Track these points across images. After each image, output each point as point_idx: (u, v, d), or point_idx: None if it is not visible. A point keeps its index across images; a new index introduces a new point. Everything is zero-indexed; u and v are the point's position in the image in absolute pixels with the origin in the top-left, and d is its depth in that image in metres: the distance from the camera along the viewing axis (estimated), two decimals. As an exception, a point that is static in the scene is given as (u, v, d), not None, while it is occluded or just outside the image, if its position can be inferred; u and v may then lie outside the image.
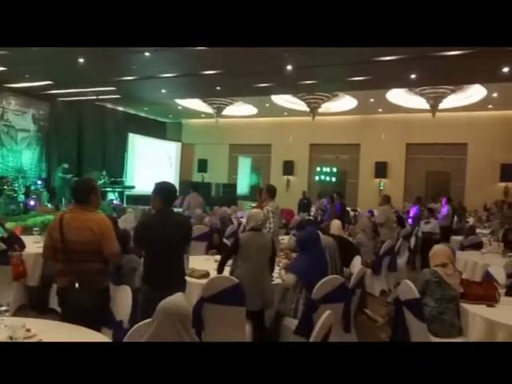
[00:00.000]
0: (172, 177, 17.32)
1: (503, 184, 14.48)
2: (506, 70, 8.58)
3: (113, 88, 12.29)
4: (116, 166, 16.25)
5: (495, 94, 12.39)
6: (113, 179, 14.64)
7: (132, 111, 17.76)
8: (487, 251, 6.20)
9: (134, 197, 15.07)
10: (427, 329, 3.38)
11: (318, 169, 16.58)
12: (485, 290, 3.54)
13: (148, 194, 3.84)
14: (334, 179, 16.21)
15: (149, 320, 2.00)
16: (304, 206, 12.79)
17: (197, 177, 18.95)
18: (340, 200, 9.55)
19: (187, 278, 3.74)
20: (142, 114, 18.37)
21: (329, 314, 2.58)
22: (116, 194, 14.53)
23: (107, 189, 13.81)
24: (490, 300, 3.43)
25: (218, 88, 11.94)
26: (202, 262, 4.51)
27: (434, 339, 3.36)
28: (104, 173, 13.99)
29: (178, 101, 15.55)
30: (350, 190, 16.38)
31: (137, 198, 14.74)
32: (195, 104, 16.04)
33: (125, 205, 13.79)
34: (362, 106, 14.66)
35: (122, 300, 3.03)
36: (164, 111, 17.79)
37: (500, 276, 4.34)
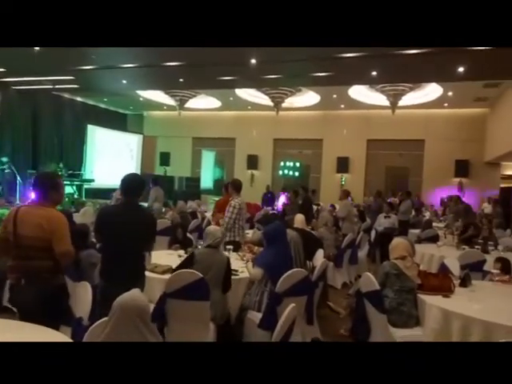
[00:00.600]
0: (133, 170, 16.84)
1: (457, 179, 15.13)
2: (460, 69, 8.92)
3: (70, 77, 11.83)
4: (74, 158, 15.70)
5: (450, 93, 12.88)
6: (71, 172, 14.14)
7: (91, 102, 17.18)
8: (443, 244, 6.45)
9: (93, 190, 14.64)
10: (387, 319, 3.48)
11: (282, 163, 16.69)
12: (441, 282, 3.67)
13: (108, 187, 3.72)
14: (297, 174, 16.38)
15: (106, 318, 1.93)
16: (268, 200, 12.85)
17: (159, 170, 18.63)
18: (305, 194, 9.64)
19: (149, 274, 3.68)
20: (102, 106, 17.82)
21: (293, 307, 2.60)
22: (74, 187, 14.05)
23: (65, 182, 13.32)
24: (446, 291, 3.56)
25: (181, 80, 11.74)
26: (164, 257, 4.44)
27: (392, 330, 3.46)
28: (61, 165, 13.49)
29: (140, 92, 15.17)
30: (313, 185, 16.58)
31: (96, 191, 14.33)
32: (157, 96, 15.71)
33: (84, 198, 13.39)
34: (325, 101, 14.86)
35: (82, 297, 2.95)
36: (125, 103, 17.30)
37: (455, 267, 4.52)
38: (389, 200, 10.56)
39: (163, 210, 8.62)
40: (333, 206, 10.47)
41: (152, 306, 3.37)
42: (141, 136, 18.60)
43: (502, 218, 9.35)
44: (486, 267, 4.85)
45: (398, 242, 3.89)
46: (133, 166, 17.45)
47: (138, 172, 17.28)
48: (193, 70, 10.26)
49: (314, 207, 9.85)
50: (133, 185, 3.09)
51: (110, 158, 16.57)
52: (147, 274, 3.60)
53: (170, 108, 16.54)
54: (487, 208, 12.09)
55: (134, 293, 1.88)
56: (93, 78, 12.05)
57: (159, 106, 17.44)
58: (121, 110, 19.01)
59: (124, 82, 12.23)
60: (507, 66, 8.64)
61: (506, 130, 11.48)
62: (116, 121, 18.44)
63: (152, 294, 3.75)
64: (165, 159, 18.76)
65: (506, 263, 4.44)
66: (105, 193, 13.51)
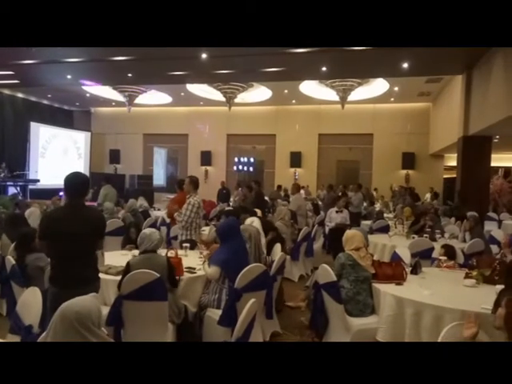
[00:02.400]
0: (81, 169, 16.26)
1: (404, 171, 15.78)
2: (405, 65, 9.27)
3: (10, 72, 11.16)
4: (17, 157, 14.88)
5: (396, 88, 13.38)
6: (14, 173, 13.38)
7: (34, 98, 16.33)
8: (393, 234, 6.69)
9: (38, 191, 13.92)
10: (344, 309, 3.56)
11: (236, 159, 16.67)
12: (393, 270, 3.80)
13: (54, 187, 3.52)
14: (251, 169, 16.43)
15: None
16: (224, 196, 12.80)
17: (109, 168, 18.05)
18: (258, 189, 9.68)
19: (103, 276, 3.54)
20: (46, 102, 17.00)
21: (253, 303, 2.59)
22: (18, 188, 13.31)
23: (8, 183, 12.61)
24: (399, 279, 3.70)
25: (129, 75, 11.40)
26: (118, 258, 4.29)
27: (349, 319, 3.55)
28: (3, 165, 12.73)
29: (86, 88, 14.59)
30: (268, 180, 16.74)
31: (42, 192, 13.63)
32: (105, 91, 15.17)
33: (28, 199, 12.71)
34: (277, 97, 14.99)
35: (30, 303, 2.78)
36: (70, 99, 16.59)
37: (406, 256, 4.71)
38: (341, 193, 10.78)
39: (115, 209, 8.36)
40: (287, 199, 10.58)
41: (107, 309, 3.27)
42: (88, 133, 17.92)
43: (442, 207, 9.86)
44: (434, 254, 5.08)
45: (352, 233, 3.98)
46: (81, 165, 16.81)
47: (87, 171, 16.70)
48: (142, 64, 9.99)
49: (270, 202, 9.90)
50: (76, 184, 2.91)
51: (56, 156, 15.85)
52: (101, 275, 3.48)
53: (119, 104, 16.04)
54: (429, 199, 12.70)
55: (77, 298, 1.78)
56: (34, 73, 11.43)
57: (107, 102, 16.87)
58: (66, 107, 18.22)
59: (69, 76, 11.69)
60: (447, 61, 9.10)
61: (447, 123, 12.09)
62: (61, 118, 17.67)
63: (107, 296, 3.63)
64: (115, 157, 18.21)
65: (451, 249, 4.67)
66: (51, 193, 12.89)
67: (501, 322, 1.79)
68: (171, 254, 3.91)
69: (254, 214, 5.55)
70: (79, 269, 2.82)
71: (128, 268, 3.37)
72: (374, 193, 14.47)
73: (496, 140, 10.14)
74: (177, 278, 3.57)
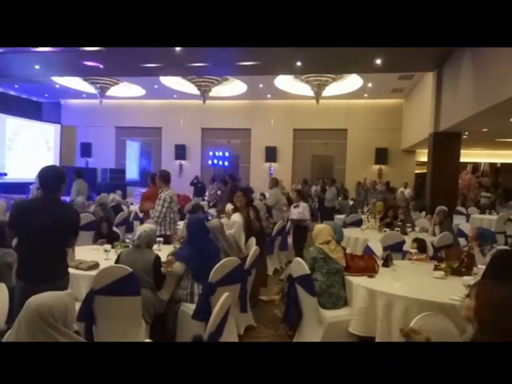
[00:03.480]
0: (51, 162, 15.82)
1: (377, 166, 16.05)
2: (378, 62, 9.40)
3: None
4: (-18, 150, 14.36)
5: (370, 84, 13.56)
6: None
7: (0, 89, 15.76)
8: (366, 227, 6.80)
9: (5, 185, 13.49)
10: (317, 302, 3.60)
11: (211, 153, 16.58)
12: (366, 263, 3.86)
13: (22, 181, 3.41)
14: (226, 163, 16.38)
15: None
16: (198, 190, 12.71)
17: (80, 162, 17.64)
18: (233, 183, 9.65)
19: (74, 271, 3.48)
20: (12, 93, 16.42)
21: (227, 296, 2.58)
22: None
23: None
24: (371, 271, 3.76)
25: (101, 66, 11.13)
26: (89, 253, 4.21)
27: (322, 311, 3.60)
28: (-33, 158, 12.28)
29: (55, 79, 14.16)
30: (243, 174, 16.72)
31: (9, 186, 13.22)
32: (75, 83, 14.77)
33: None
34: (252, 91, 14.95)
35: (-4, 300, 2.70)
36: (39, 90, 16.07)
37: (378, 249, 4.80)
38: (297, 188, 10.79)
39: (86, 203, 8.18)
40: (263, 194, 10.61)
41: (78, 305, 3.21)
42: (58, 126, 17.45)
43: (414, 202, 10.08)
44: (405, 247, 5.20)
45: (319, 228, 4.04)
46: (50, 158, 16.37)
47: (57, 164, 16.26)
48: (113, 55, 9.77)
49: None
50: (51, 178, 2.85)
51: (24, 149, 15.37)
52: (71, 271, 3.40)
53: (90, 96, 15.66)
54: (403, 193, 12.96)
55: (42, 294, 1.74)
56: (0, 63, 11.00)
57: (78, 94, 16.44)
58: (34, 98, 17.65)
59: (37, 67, 11.31)
60: (418, 59, 9.27)
61: (418, 119, 12.35)
62: (29, 109, 17.10)
63: (78, 291, 3.56)
64: (86, 150, 17.81)
65: (422, 243, 4.79)
66: (19, 187, 12.53)
67: (468, 313, 1.84)
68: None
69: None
70: (47, 263, 2.75)
71: (118, 258, 3.49)
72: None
73: (465, 136, 10.43)
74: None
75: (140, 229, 3.63)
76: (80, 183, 8.44)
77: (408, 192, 12.87)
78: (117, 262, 3.48)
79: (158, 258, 3.52)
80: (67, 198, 8.24)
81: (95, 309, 3.15)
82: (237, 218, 4.93)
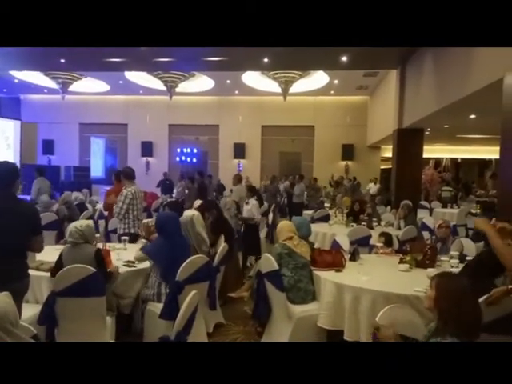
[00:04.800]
0: (11, 160, 15.05)
1: (344, 162, 16.31)
2: (344, 59, 9.52)
3: None
4: None
5: (336, 81, 13.73)
6: None
7: (-47, 83, 15.00)
8: (334, 222, 6.90)
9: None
10: (286, 297, 3.62)
11: (179, 150, 16.38)
12: (333, 257, 3.90)
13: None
14: (195, 160, 16.23)
15: None
16: (166, 187, 12.53)
17: (42, 160, 17.04)
18: (201, 180, 9.58)
19: (34, 272, 3.35)
20: (-32, 87, 15.68)
21: (194, 294, 2.55)
22: None
23: None
24: (338, 265, 3.81)
25: (62, 61, 10.75)
26: (51, 253, 4.05)
27: (291, 306, 3.62)
28: None
29: (14, 73, 13.59)
30: (212, 171, 16.60)
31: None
32: (36, 77, 14.22)
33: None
34: (219, 87, 14.85)
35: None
36: (-4, 84, 15.41)
37: (345, 244, 4.87)
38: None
39: (50, 202, 7.92)
40: (232, 191, 10.59)
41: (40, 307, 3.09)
42: (18, 122, 16.75)
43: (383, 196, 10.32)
44: (371, 241, 5.30)
45: (281, 225, 4.10)
46: (10, 156, 15.71)
47: (17, 162, 15.64)
48: (75, 50, 9.44)
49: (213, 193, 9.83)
50: (3, 174, 2.72)
51: (-18, 146, 14.71)
52: (32, 272, 3.27)
53: (52, 91, 15.13)
54: (372, 188, 13.23)
55: None
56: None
57: (39, 89, 15.84)
58: (-8, 93, 16.90)
59: (-6, 61, 10.84)
60: (382, 56, 9.45)
61: (383, 116, 12.62)
62: (-14, 105, 16.36)
63: (39, 293, 3.44)
64: (48, 147, 17.23)
65: (388, 237, 4.90)
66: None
67: (430, 303, 1.89)
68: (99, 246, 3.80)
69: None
70: (5, 265, 2.62)
71: (60, 257, 3.32)
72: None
73: (427, 132, 10.73)
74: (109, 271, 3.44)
75: (70, 226, 3.45)
76: (41, 181, 8.15)
77: (378, 187, 13.12)
78: (59, 261, 3.32)
79: (98, 251, 3.37)
80: (27, 197, 7.94)
81: (57, 311, 3.04)
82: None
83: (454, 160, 18.94)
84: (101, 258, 3.31)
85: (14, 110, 17.31)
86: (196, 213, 4.93)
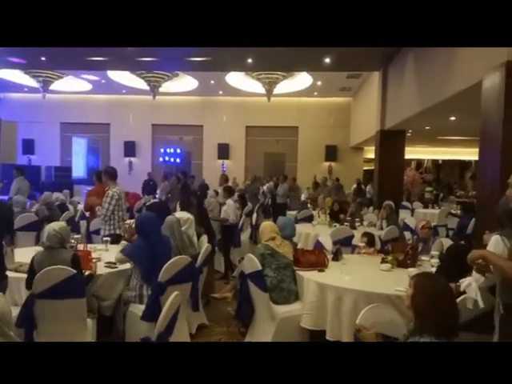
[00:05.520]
0: (-11, 159, 14.90)
1: (328, 163, 16.41)
2: (327, 60, 9.59)
3: None
4: None
5: (319, 83, 13.82)
6: None
7: None
8: (317, 223, 6.93)
9: None
10: (269, 298, 3.62)
11: (162, 150, 16.26)
12: (316, 257, 3.93)
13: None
14: (178, 160, 16.12)
15: None
16: (150, 188, 12.42)
17: (22, 159, 16.71)
18: (184, 180, 9.52)
19: (13, 274, 3.29)
20: None
21: (176, 295, 2.53)
22: None
23: None
24: (321, 265, 3.83)
25: (43, 59, 10.56)
26: (30, 255, 3.97)
27: (274, 306, 3.62)
28: None
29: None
30: (195, 171, 16.53)
31: None
32: (15, 75, 13.92)
33: None
34: (203, 87, 14.79)
35: None
36: (-26, 82, 15.04)
37: (328, 244, 4.90)
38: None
39: (28, 202, 7.77)
40: (216, 191, 10.54)
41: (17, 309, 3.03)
42: (-3, 121, 16.40)
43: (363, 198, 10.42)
44: (354, 241, 5.34)
45: (264, 226, 4.11)
46: (-12, 155, 15.36)
47: (-4, 161, 15.31)
48: (56, 48, 9.29)
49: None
50: None
51: (-41, 146, 14.34)
52: (11, 274, 3.21)
53: (32, 90, 14.86)
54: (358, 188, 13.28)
55: None
56: None
57: (19, 88, 15.54)
58: (-30, 91, 16.50)
59: (-28, 58, 10.59)
60: (365, 58, 9.55)
61: (366, 117, 12.75)
62: (-36, 103, 15.97)
63: (18, 295, 3.37)
64: (28, 147, 16.91)
65: (371, 237, 4.95)
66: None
67: (409, 303, 1.91)
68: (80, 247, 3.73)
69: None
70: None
71: (32, 264, 3.14)
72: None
73: (409, 134, 10.88)
74: (87, 272, 3.38)
75: (48, 228, 3.27)
76: (20, 181, 7.99)
77: (367, 189, 13.16)
78: (31, 266, 3.14)
79: (75, 255, 3.25)
80: (5, 198, 7.80)
81: (36, 313, 2.98)
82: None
83: (435, 161, 19.24)
84: (78, 263, 3.20)
85: (-8, 109, 16.95)
86: (191, 216, 4.90)
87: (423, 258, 4.12)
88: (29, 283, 3.06)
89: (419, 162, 18.24)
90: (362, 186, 13.47)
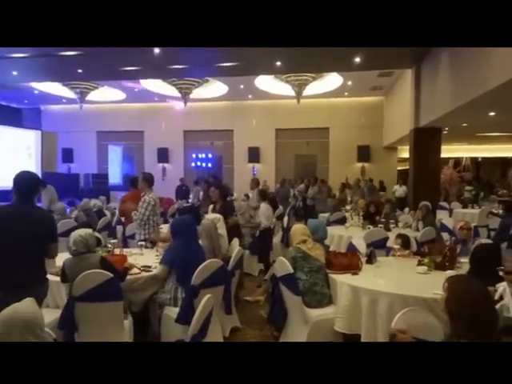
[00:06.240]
0: (33, 168, 15.46)
1: (360, 164, 16.16)
2: (357, 60, 9.46)
3: None
4: (-40, 159, 14.02)
5: (350, 82, 13.64)
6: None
7: (-23, 96, 15.42)
8: (350, 225, 6.83)
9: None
10: (301, 301, 3.59)
11: (194, 155, 16.50)
12: (349, 260, 3.87)
13: (4, 189, 3.33)
14: (210, 165, 16.32)
15: None
16: (182, 193, 12.62)
17: (62, 168, 17.38)
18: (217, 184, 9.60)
19: (54, 278, 3.41)
20: (-10, 100, 16.09)
21: (208, 298, 2.55)
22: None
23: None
24: (354, 268, 3.77)
25: (80, 71, 10.97)
26: (70, 260, 4.12)
27: (307, 310, 3.59)
28: None
29: (34, 84, 13.92)
30: (226, 175, 16.68)
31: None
32: (55, 88, 14.52)
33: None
34: (233, 92, 14.90)
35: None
36: (18, 96, 15.75)
37: (361, 246, 4.81)
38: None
39: (68, 209, 8.06)
40: (247, 195, 10.59)
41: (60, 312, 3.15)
42: (39, 132, 17.10)
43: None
44: (388, 244, 5.22)
45: (295, 228, 4.07)
46: (32, 165, 16.00)
47: (39, 170, 15.96)
48: (92, 59, 9.62)
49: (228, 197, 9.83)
50: (24, 183, 2.81)
51: (5, 156, 15.03)
52: (52, 278, 3.34)
53: (71, 101, 15.44)
54: (398, 190, 12.98)
55: (17, 305, 1.69)
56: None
57: (58, 100, 16.19)
58: (14, 105, 17.29)
59: (14, 73, 11.12)
60: (397, 56, 9.35)
61: (399, 116, 12.47)
62: (9, 116, 16.69)
63: (59, 298, 3.50)
64: (68, 156, 17.56)
65: (406, 239, 4.82)
66: (1, 195, 12.27)
67: (443, 306, 1.85)
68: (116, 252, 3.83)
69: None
70: (23, 271, 2.69)
71: (63, 269, 3.27)
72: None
73: (445, 132, 10.57)
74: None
75: (74, 234, 3.37)
76: (49, 192, 8.09)
77: (403, 189, 12.81)
78: (62, 273, 3.26)
79: (102, 258, 3.35)
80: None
81: (76, 316, 3.09)
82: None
83: (474, 159, 18.58)
84: (107, 265, 3.28)
85: (34, 121, 17.71)
86: (218, 215, 4.97)
87: (462, 260, 3.98)
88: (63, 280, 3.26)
89: (457, 161, 17.68)
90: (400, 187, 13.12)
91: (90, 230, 3.56)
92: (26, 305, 1.73)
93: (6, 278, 2.67)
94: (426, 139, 9.61)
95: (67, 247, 3.42)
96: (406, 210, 9.19)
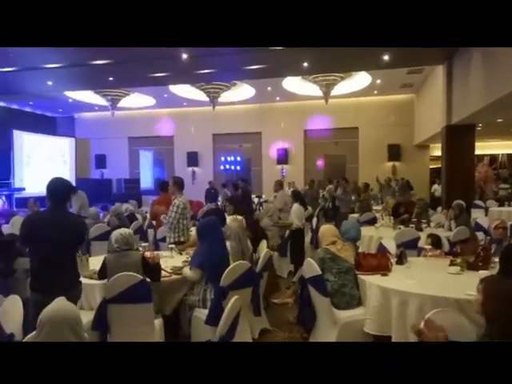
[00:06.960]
0: (67, 175, 16.08)
1: (391, 163, 15.86)
2: (386, 57, 9.32)
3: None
4: (1, 167, 14.65)
5: (379, 81, 13.43)
6: (-2, 182, 13.23)
7: (15, 106, 16.09)
8: (380, 225, 6.73)
9: (24, 200, 13.74)
10: (330, 302, 3.57)
11: (223, 158, 16.65)
12: (379, 261, 3.81)
13: (41, 195, 3.50)
14: (238, 167, 16.42)
15: (33, 333, 1.81)
16: (211, 196, 12.75)
17: (95, 173, 17.91)
18: (245, 187, 9.65)
19: (88, 281, 3.52)
20: (28, 109, 16.76)
21: (236, 300, 2.58)
22: (3, 197, 13.14)
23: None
24: (384, 269, 3.71)
25: (111, 79, 11.30)
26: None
27: (336, 311, 3.56)
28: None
29: (68, 93, 14.44)
30: (255, 177, 16.74)
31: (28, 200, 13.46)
32: (87, 96, 15.01)
33: (14, 208, 12.56)
34: (261, 94, 14.96)
35: (12, 311, 2.75)
36: (52, 105, 16.38)
37: (391, 247, 4.73)
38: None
39: (101, 214, 8.30)
40: (275, 197, 10.60)
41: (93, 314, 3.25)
42: (73, 139, 17.73)
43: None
44: (420, 244, 5.11)
45: (324, 229, 4.04)
46: (66, 171, 16.63)
47: (73, 177, 16.55)
48: (122, 67, 9.90)
49: (256, 199, 9.89)
50: (58, 189, 2.93)
51: (41, 163, 15.65)
52: (86, 281, 3.46)
53: (102, 108, 15.90)
54: (438, 190, 12.67)
55: (60, 303, 1.77)
56: (13, 80, 11.25)
57: (90, 107, 16.71)
58: (49, 113, 17.98)
59: (49, 83, 11.56)
60: (427, 52, 9.15)
61: (430, 113, 12.18)
62: (44, 125, 17.40)
63: (93, 300, 3.61)
64: (100, 162, 18.07)
65: (437, 238, 4.71)
66: (37, 201, 12.75)
67: (478, 308, 1.81)
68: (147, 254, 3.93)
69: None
70: (59, 275, 2.80)
71: (104, 263, 3.45)
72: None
73: (479, 128, 10.25)
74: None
75: (115, 233, 3.58)
76: (79, 198, 8.11)
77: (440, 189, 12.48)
78: (103, 268, 3.47)
79: (143, 257, 3.54)
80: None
81: (109, 317, 3.19)
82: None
83: (510, 156, 17.90)
84: (147, 264, 3.48)
85: (68, 128, 18.36)
86: (239, 217, 5.01)
87: (496, 259, 3.85)
88: (100, 276, 3.46)
89: (493, 157, 17.08)
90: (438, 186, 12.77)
91: (129, 230, 3.77)
92: (66, 302, 1.81)
93: (43, 282, 2.79)
94: (458, 136, 9.34)
95: (108, 246, 3.58)
96: (439, 209, 8.96)
